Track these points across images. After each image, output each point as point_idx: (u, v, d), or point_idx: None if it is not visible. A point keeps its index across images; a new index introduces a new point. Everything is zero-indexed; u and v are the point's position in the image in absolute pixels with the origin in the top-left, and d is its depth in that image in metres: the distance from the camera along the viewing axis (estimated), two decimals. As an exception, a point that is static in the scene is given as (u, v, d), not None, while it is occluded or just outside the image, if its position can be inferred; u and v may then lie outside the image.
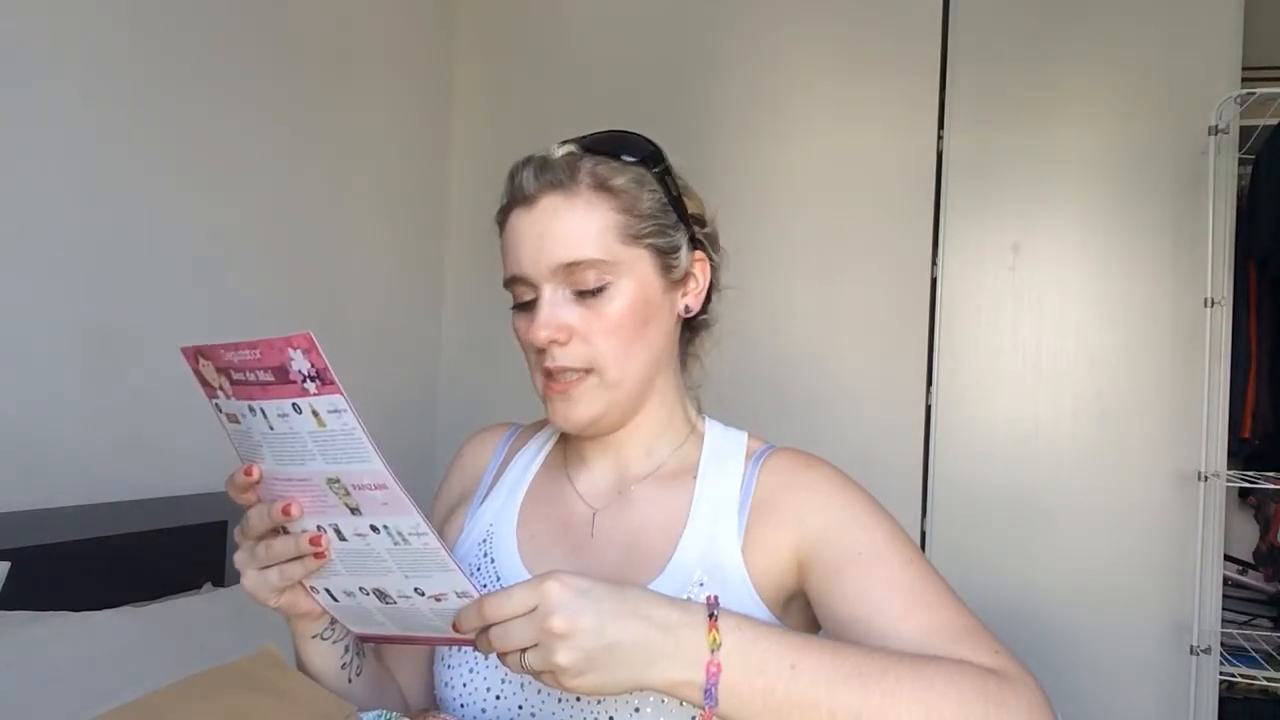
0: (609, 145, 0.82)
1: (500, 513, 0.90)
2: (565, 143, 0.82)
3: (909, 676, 0.62)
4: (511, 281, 0.82)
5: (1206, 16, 2.28)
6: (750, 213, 2.52)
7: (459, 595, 0.65)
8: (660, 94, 2.59)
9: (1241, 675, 2.14)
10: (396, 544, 0.65)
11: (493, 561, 0.87)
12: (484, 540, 0.89)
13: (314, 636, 0.79)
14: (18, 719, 1.17)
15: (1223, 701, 2.23)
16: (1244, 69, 2.25)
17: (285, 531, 0.69)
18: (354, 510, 0.65)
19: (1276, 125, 2.19)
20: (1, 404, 1.54)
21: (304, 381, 0.63)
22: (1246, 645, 2.25)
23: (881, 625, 0.70)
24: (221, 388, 0.66)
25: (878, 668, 0.63)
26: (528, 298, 0.81)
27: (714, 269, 0.90)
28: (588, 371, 0.80)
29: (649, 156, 0.83)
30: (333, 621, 0.78)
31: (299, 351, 0.62)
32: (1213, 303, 2.15)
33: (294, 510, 0.67)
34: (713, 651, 0.61)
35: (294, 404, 0.64)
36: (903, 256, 2.45)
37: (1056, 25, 2.38)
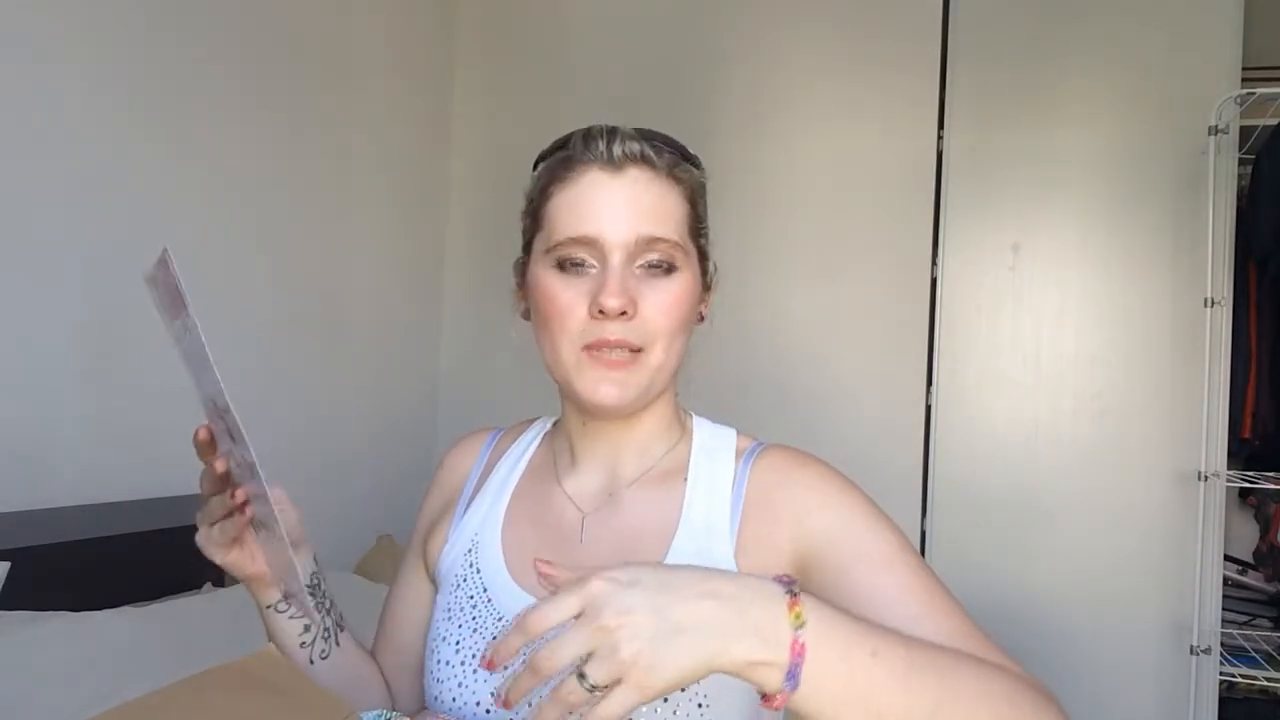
0: (667, 142, 0.82)
1: (485, 520, 0.88)
2: (610, 127, 0.81)
3: (972, 674, 0.60)
4: (570, 242, 0.77)
5: (1206, 16, 2.28)
6: (750, 213, 2.52)
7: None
8: (660, 94, 2.59)
9: (1241, 675, 2.14)
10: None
11: (479, 572, 0.84)
12: (469, 550, 0.87)
13: (268, 607, 0.82)
14: (18, 719, 1.17)
15: (1223, 701, 2.23)
16: (1244, 69, 2.26)
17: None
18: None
19: (1276, 125, 2.19)
20: (1, 404, 1.54)
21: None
22: (1246, 645, 2.25)
23: (901, 626, 0.66)
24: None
25: (947, 662, 0.60)
26: (581, 258, 0.77)
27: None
28: (636, 351, 0.77)
29: (698, 163, 0.85)
30: (287, 596, 0.80)
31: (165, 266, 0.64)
32: (1213, 303, 2.15)
33: (219, 466, 0.72)
34: (796, 630, 0.55)
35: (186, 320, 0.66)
36: (903, 256, 2.45)
37: (1056, 25, 2.38)
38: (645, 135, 0.81)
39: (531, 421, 0.96)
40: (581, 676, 0.54)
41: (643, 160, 0.78)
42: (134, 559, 1.73)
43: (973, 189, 2.42)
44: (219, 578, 1.92)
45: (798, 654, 0.54)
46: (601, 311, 0.75)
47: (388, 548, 2.31)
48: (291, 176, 2.17)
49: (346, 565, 2.25)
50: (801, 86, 2.55)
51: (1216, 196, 2.16)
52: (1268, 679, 2.16)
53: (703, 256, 0.84)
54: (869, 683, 0.56)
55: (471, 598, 0.83)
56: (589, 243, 0.77)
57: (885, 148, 2.47)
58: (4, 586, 1.42)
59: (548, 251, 0.79)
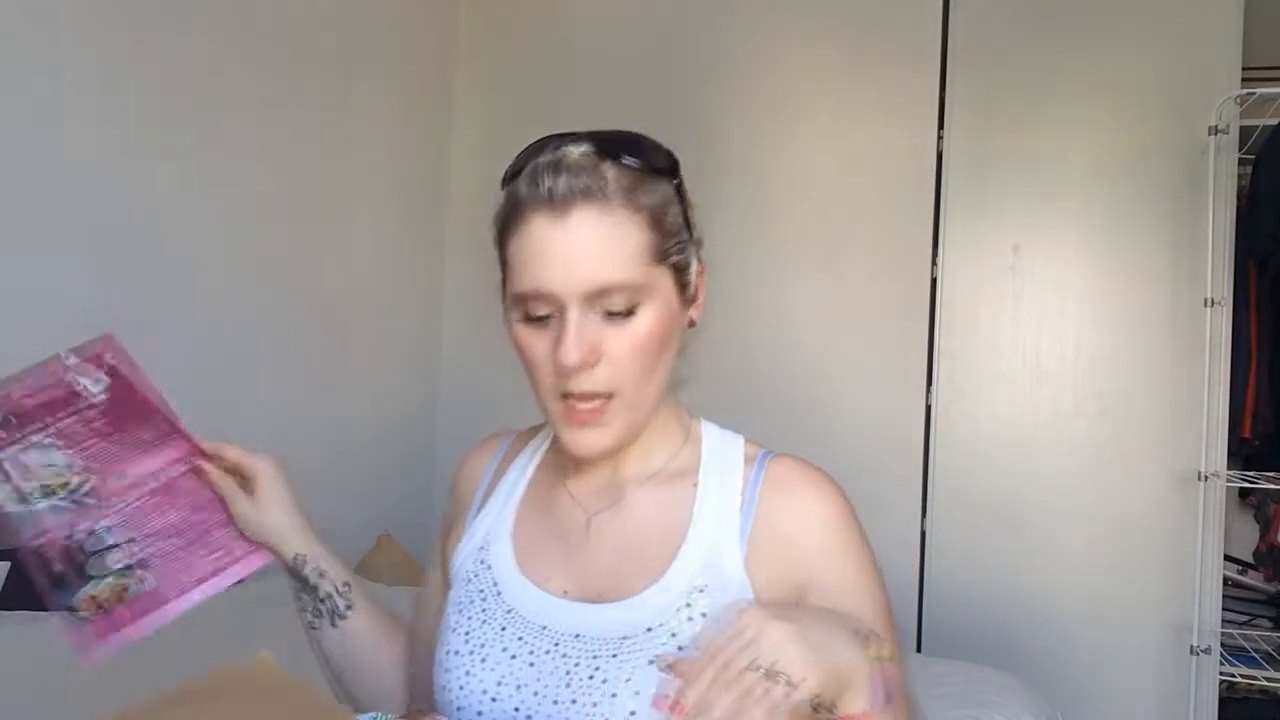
0: (630, 150, 0.76)
1: (496, 520, 0.89)
2: (574, 137, 0.77)
3: None
4: (526, 296, 0.76)
5: (1206, 16, 2.28)
6: (750, 213, 2.52)
7: None
8: (660, 94, 2.59)
9: (1241, 675, 2.14)
10: None
11: (489, 568, 0.86)
12: (480, 548, 0.88)
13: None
14: (17, 719, 1.17)
15: (1223, 701, 2.23)
16: (1244, 69, 2.25)
17: None
18: None
19: (1276, 125, 2.18)
20: (1, 404, 1.54)
21: None
22: (1246, 645, 2.24)
23: None
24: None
25: None
26: (543, 313, 0.75)
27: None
28: (610, 396, 0.76)
29: (669, 167, 0.80)
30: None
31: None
32: (1213, 303, 2.15)
33: None
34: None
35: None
36: (903, 256, 2.45)
37: (1057, 25, 2.38)
38: (603, 147, 0.76)
39: (544, 425, 0.96)
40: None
41: (589, 196, 0.73)
42: (134, 559, 1.73)
43: (973, 189, 2.42)
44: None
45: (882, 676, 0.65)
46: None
47: (388, 547, 2.32)
48: (291, 176, 2.17)
49: (346, 565, 2.25)
50: (801, 86, 2.55)
51: (1216, 196, 2.16)
52: (1268, 679, 2.16)
53: (679, 270, 0.79)
54: None
55: (482, 591, 0.84)
56: (544, 296, 0.74)
57: (885, 148, 2.47)
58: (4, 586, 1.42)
59: (513, 300, 0.78)
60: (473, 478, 0.96)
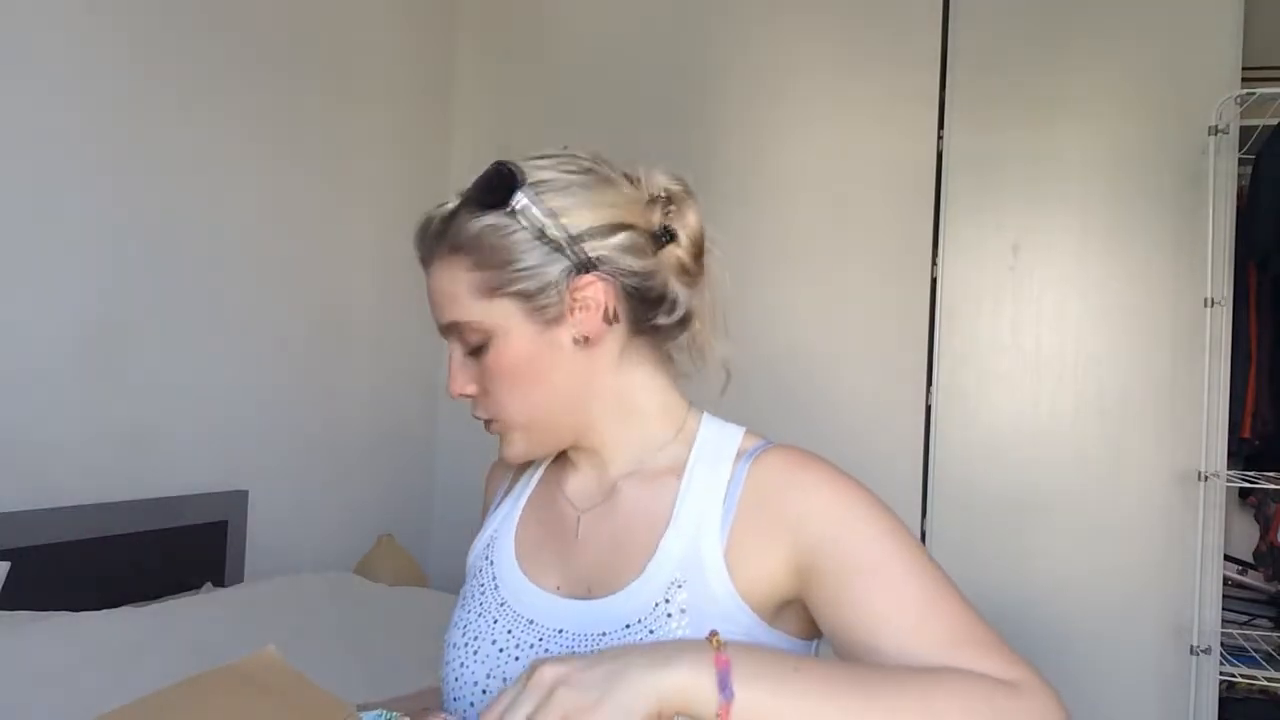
0: (472, 193, 0.82)
1: (504, 520, 0.93)
2: (451, 199, 0.85)
3: (914, 685, 0.63)
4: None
5: (1206, 16, 2.28)
6: (750, 212, 2.52)
7: None
8: (660, 94, 2.60)
9: (1241, 675, 2.14)
10: None
11: (492, 564, 0.90)
12: (488, 546, 0.92)
13: None
14: (17, 719, 1.17)
15: (1223, 702, 2.23)
16: (1244, 69, 2.25)
17: None
18: None
19: (1276, 125, 2.18)
20: (1, 404, 1.54)
21: None
22: (1246, 645, 2.24)
23: (894, 642, 0.68)
24: None
25: (880, 675, 0.64)
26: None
27: (641, 274, 0.82)
28: (493, 420, 0.84)
29: (496, 199, 0.80)
30: None
31: None
32: (1213, 303, 2.15)
33: None
34: (718, 650, 0.62)
35: None
36: (903, 256, 2.45)
37: (1057, 25, 2.38)
38: (461, 200, 0.83)
39: None
40: None
41: (431, 248, 0.83)
42: (134, 559, 1.73)
43: (973, 189, 2.42)
44: (219, 578, 1.92)
45: (724, 666, 0.61)
46: None
47: (388, 548, 2.31)
48: (291, 177, 2.17)
49: (347, 565, 2.25)
50: (802, 86, 2.55)
51: (1216, 196, 2.16)
52: (1268, 679, 2.16)
53: (526, 296, 0.79)
54: (796, 691, 0.62)
55: (482, 586, 0.88)
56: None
57: (885, 148, 2.47)
58: (4, 586, 1.42)
59: None
60: (496, 481, 1.00)
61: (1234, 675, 2.14)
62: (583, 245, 0.79)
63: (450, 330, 0.83)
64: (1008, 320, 2.39)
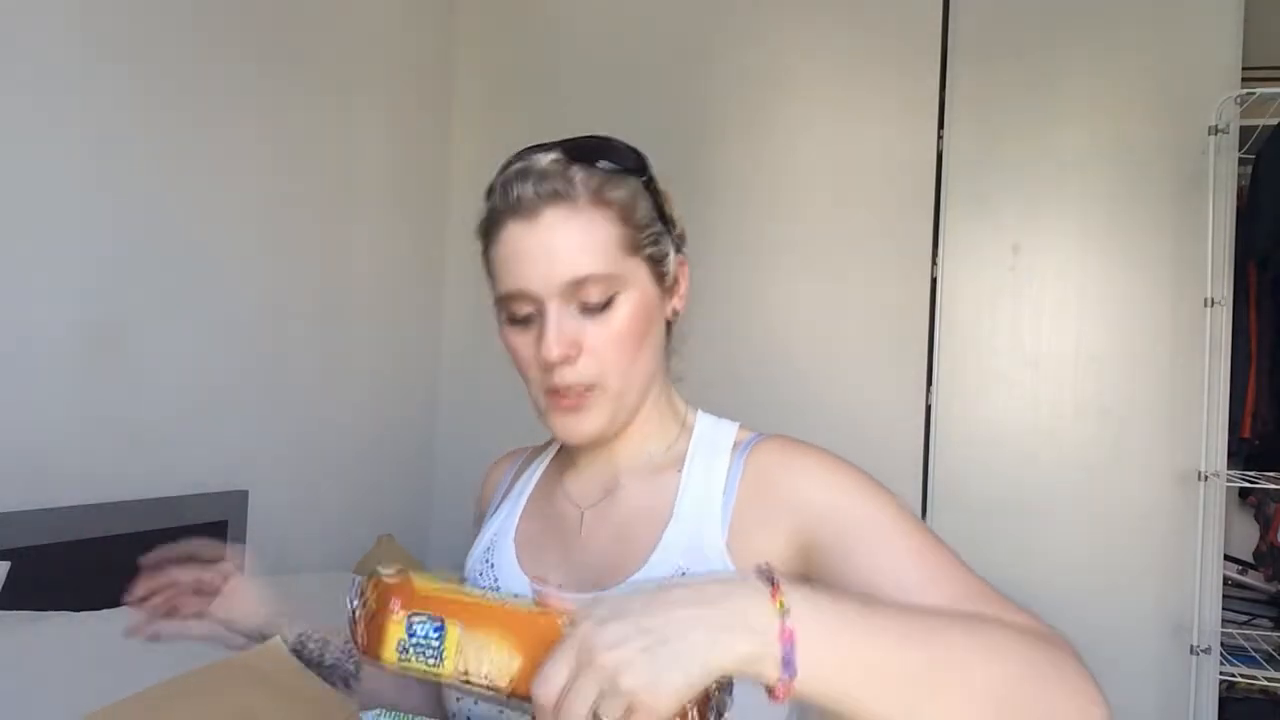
0: (597, 153, 0.80)
1: (503, 522, 0.93)
2: (544, 147, 0.81)
3: (979, 633, 0.61)
4: (508, 298, 0.81)
5: (1206, 16, 2.28)
6: (750, 213, 2.52)
7: None
8: (660, 94, 2.59)
9: (1241, 675, 2.14)
10: None
11: (492, 566, 0.90)
12: (488, 549, 0.92)
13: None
14: (17, 719, 1.17)
15: (1223, 702, 2.23)
16: (1244, 69, 2.25)
17: None
18: None
19: (1276, 125, 2.19)
20: (1, 404, 1.54)
21: None
22: (1246, 645, 2.25)
23: (904, 598, 0.69)
24: None
25: (944, 622, 0.61)
26: (525, 312, 0.80)
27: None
28: (592, 386, 0.79)
29: (637, 165, 0.83)
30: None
31: None
32: (1213, 303, 2.15)
33: None
34: (782, 618, 0.54)
35: None
36: (903, 256, 2.45)
37: (1056, 25, 2.38)
38: (571, 153, 0.80)
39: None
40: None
41: (556, 198, 0.77)
42: (134, 559, 1.72)
43: (973, 189, 2.42)
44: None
45: (788, 641, 0.54)
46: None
47: (388, 548, 2.31)
48: (291, 177, 2.17)
49: (346, 565, 2.25)
50: (801, 86, 2.55)
51: (1216, 196, 2.16)
52: (1268, 679, 2.16)
53: (655, 260, 0.83)
54: (865, 658, 0.55)
55: (485, 589, 0.86)
56: (524, 296, 0.79)
57: (885, 148, 2.47)
58: (4, 586, 1.42)
59: (497, 303, 0.83)
60: (492, 486, 1.01)
61: (1234, 675, 2.14)
62: (677, 230, 0.86)
63: (571, 287, 0.78)
64: (1008, 320, 2.39)
